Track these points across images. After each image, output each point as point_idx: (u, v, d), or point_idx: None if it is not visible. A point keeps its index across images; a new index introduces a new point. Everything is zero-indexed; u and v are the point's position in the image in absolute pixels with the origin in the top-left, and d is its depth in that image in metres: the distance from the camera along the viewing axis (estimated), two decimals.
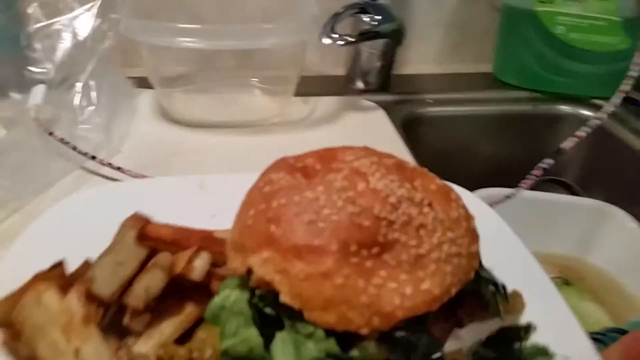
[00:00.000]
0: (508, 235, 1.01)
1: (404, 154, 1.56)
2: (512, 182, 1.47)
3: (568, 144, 1.49)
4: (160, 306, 0.88)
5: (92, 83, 1.35)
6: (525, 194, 1.36)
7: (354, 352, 0.66)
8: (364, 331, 0.65)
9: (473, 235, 0.74)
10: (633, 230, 1.31)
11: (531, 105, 1.81)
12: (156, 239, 0.98)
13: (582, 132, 1.49)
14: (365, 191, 0.71)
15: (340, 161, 0.79)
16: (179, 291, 0.90)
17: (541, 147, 1.68)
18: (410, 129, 1.79)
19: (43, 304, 0.74)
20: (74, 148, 1.27)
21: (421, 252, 0.68)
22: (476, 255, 0.74)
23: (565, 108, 1.81)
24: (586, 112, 1.76)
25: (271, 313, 0.72)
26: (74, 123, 1.31)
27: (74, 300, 0.78)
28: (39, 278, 0.79)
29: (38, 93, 1.32)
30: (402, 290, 0.66)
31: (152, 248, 0.96)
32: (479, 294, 0.81)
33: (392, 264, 0.67)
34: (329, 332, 0.66)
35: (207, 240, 0.96)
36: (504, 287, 0.84)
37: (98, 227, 0.93)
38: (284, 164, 0.81)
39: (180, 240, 0.98)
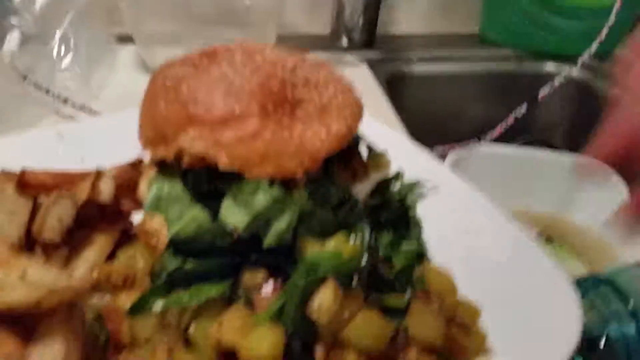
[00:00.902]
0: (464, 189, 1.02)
1: (388, 111, 1.53)
2: (496, 140, 1.41)
3: (542, 92, 1.44)
4: (72, 241, 0.86)
5: (71, 35, 1.37)
6: (506, 151, 1.30)
7: (295, 195, 0.75)
8: (299, 174, 0.74)
9: (357, 96, 0.87)
10: (617, 185, 1.25)
11: (516, 64, 1.77)
12: (37, 185, 0.93)
13: (557, 82, 1.44)
14: (263, 62, 0.78)
15: (224, 51, 0.85)
16: (86, 224, 0.89)
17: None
18: (395, 87, 1.70)
19: None
20: (47, 91, 1.28)
21: (324, 102, 0.79)
22: (361, 104, 0.87)
23: (550, 65, 1.76)
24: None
25: (207, 190, 0.77)
26: (51, 71, 1.33)
27: None
28: None
29: (13, 40, 1.30)
30: (318, 134, 0.76)
31: (34, 197, 0.92)
32: (360, 152, 0.95)
33: (303, 117, 0.77)
34: (271, 183, 0.74)
35: (86, 178, 0.95)
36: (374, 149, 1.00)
37: None
38: (171, 63, 0.84)
39: (62, 182, 0.94)
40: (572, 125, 1.73)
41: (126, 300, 0.77)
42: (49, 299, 0.67)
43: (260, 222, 0.74)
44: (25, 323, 0.69)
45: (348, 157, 0.91)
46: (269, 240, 0.74)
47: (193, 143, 0.73)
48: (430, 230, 0.93)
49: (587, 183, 1.30)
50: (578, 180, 1.30)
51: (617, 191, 1.25)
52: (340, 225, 0.80)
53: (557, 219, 1.31)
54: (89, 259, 0.84)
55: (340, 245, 0.73)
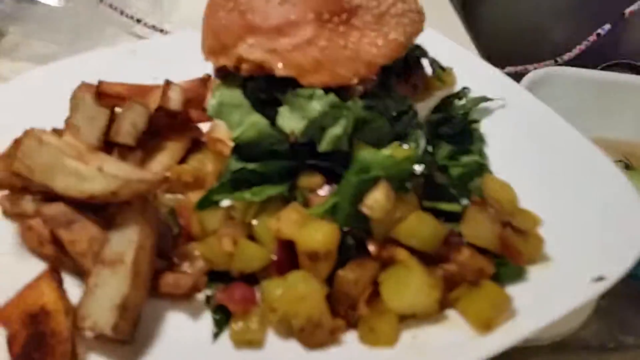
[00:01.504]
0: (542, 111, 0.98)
1: (459, 27, 1.47)
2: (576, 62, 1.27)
3: (632, 8, 1.27)
4: (146, 146, 0.93)
5: None
6: (586, 74, 1.20)
7: (350, 103, 0.77)
8: (354, 81, 0.76)
9: (419, 6, 0.85)
10: None
11: None
12: (114, 95, 1.01)
13: None
14: None
15: None
16: (159, 132, 0.95)
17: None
18: (470, 6, 1.60)
19: (45, 144, 0.76)
20: (122, 12, 1.35)
21: (382, 10, 0.79)
22: (423, 13, 0.86)
23: None
24: None
25: (266, 98, 0.80)
26: None
27: (69, 138, 0.81)
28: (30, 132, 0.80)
29: None
30: (375, 42, 0.77)
31: (112, 107, 0.99)
32: (422, 66, 0.95)
33: (360, 25, 0.78)
34: (326, 91, 0.76)
35: (159, 90, 1.00)
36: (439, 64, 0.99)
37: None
38: None
39: (136, 93, 1.01)
40: None
41: (196, 198, 0.83)
42: (124, 190, 0.74)
43: (316, 128, 0.77)
44: (106, 213, 0.77)
45: (408, 70, 0.92)
46: (324, 145, 0.77)
47: (251, 51, 0.76)
48: (499, 146, 0.92)
49: None
50: None
51: None
52: (397, 136, 0.82)
53: (633, 144, 1.23)
54: (162, 162, 0.91)
55: (394, 151, 0.75)
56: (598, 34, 1.24)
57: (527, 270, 0.74)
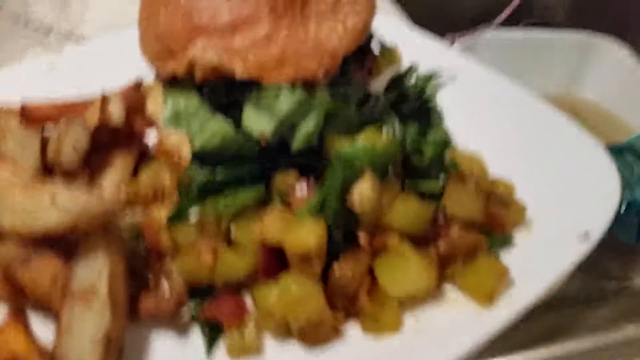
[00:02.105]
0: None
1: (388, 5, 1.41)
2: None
3: None
4: (90, 166, 0.85)
5: None
6: (509, 34, 1.25)
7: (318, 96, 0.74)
8: (320, 73, 0.73)
9: None
10: (623, 58, 1.22)
11: None
12: (42, 117, 0.91)
13: None
14: None
15: None
16: (102, 149, 0.87)
17: None
18: None
19: None
20: (27, 24, 1.20)
21: None
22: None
23: None
24: None
25: (226, 101, 0.75)
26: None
27: (9, 171, 0.71)
28: None
29: None
30: (335, 31, 0.74)
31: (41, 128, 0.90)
32: (372, 49, 0.93)
33: (315, 15, 0.75)
34: (292, 86, 0.72)
35: (90, 105, 0.92)
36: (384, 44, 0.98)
37: None
38: None
39: (67, 112, 0.92)
40: (574, 2, 1.60)
41: (160, 212, 0.78)
42: (84, 221, 0.67)
43: (286, 126, 0.73)
44: (64, 242, 0.69)
45: (362, 54, 0.89)
46: (298, 143, 0.74)
47: (203, 54, 0.71)
48: (457, 119, 0.92)
49: (594, 59, 1.29)
50: (585, 57, 1.29)
51: (625, 66, 1.23)
52: (366, 122, 0.80)
53: (567, 97, 1.29)
54: (113, 179, 0.83)
55: (372, 139, 0.73)
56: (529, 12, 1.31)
57: (513, 238, 0.75)
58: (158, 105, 0.87)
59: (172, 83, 0.77)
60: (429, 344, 0.66)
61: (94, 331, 0.62)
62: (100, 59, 1.05)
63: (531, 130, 0.89)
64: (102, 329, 0.62)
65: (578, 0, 1.57)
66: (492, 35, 1.26)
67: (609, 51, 1.26)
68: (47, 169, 0.81)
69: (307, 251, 0.67)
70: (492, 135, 0.88)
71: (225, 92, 0.75)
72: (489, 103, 0.94)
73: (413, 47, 1.00)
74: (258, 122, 0.73)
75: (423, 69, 1.00)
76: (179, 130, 0.75)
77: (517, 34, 1.29)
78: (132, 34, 1.05)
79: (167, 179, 0.83)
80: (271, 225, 0.70)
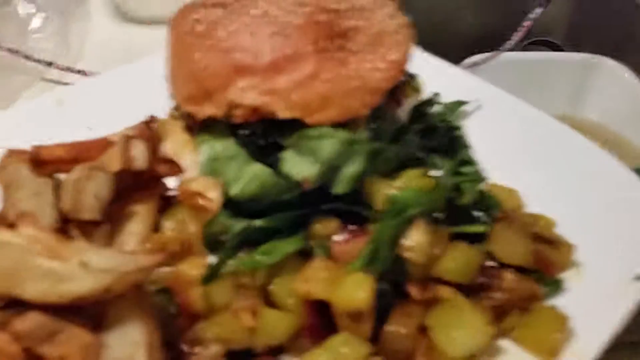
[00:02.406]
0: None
1: None
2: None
3: None
4: (110, 215, 0.79)
5: None
6: (511, 56, 1.24)
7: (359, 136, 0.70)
8: (364, 112, 0.69)
9: (400, 9, 0.80)
10: (626, 79, 1.21)
11: None
12: (54, 161, 0.85)
13: None
14: None
15: None
16: (120, 195, 0.81)
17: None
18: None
19: (0, 245, 0.60)
20: (26, 57, 1.14)
21: (375, 30, 0.72)
22: (411, 26, 0.80)
23: None
24: None
25: (264, 144, 0.71)
26: (23, 34, 1.19)
27: (30, 230, 0.65)
28: None
29: None
30: (376, 66, 0.70)
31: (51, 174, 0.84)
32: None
33: (356, 49, 0.71)
34: (334, 127, 0.68)
35: (105, 146, 0.86)
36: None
37: None
38: (190, 6, 0.75)
39: (80, 154, 0.86)
40: (573, 22, 1.59)
41: (189, 268, 0.72)
42: (118, 284, 0.61)
43: (329, 169, 0.69)
44: (92, 310, 0.64)
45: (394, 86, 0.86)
46: (341, 187, 0.70)
47: (244, 95, 0.66)
48: (485, 150, 0.88)
49: (596, 80, 1.27)
50: (587, 78, 1.28)
51: (628, 86, 1.22)
52: (403, 160, 0.76)
53: (571, 118, 1.26)
54: (136, 232, 0.78)
55: (417, 180, 0.69)
56: (529, 30, 1.25)
57: (563, 282, 0.72)
58: (179, 145, 0.82)
59: (206, 126, 0.72)
60: None
61: None
62: (110, 95, 0.99)
63: (562, 160, 0.86)
64: None
65: (576, 22, 1.56)
66: (492, 58, 1.24)
67: (611, 72, 1.25)
68: (62, 220, 0.75)
69: (358, 308, 0.63)
70: (523, 167, 0.85)
71: (264, 134, 0.70)
72: (518, 133, 0.91)
73: (431, 73, 0.95)
74: (300, 166, 0.68)
75: (446, 96, 0.97)
76: (214, 176, 0.70)
77: (517, 56, 1.28)
78: (140, 68, 1.02)
79: (193, 229, 0.78)
80: (315, 280, 0.65)
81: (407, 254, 0.64)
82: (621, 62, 1.27)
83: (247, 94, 0.65)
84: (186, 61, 0.69)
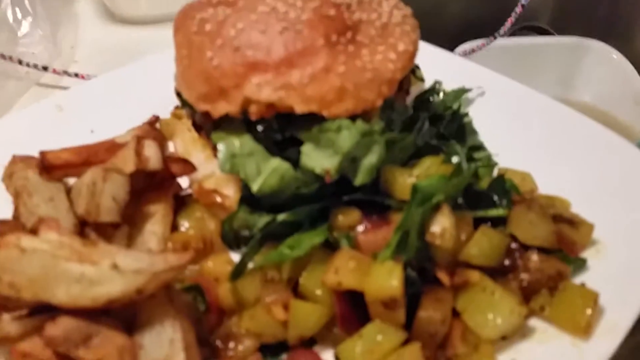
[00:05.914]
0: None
1: None
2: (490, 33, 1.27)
3: None
4: (127, 217, 0.78)
5: None
6: (502, 42, 1.25)
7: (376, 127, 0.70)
8: (380, 103, 0.69)
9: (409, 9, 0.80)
10: (614, 60, 1.25)
11: None
12: (63, 165, 0.84)
13: None
14: None
15: None
16: (135, 196, 0.81)
17: None
18: None
19: (29, 252, 0.60)
20: (20, 62, 1.11)
21: (384, 22, 0.73)
22: (416, 19, 0.80)
23: None
24: None
25: (281, 138, 0.71)
26: (13, 38, 1.16)
27: (54, 235, 0.64)
28: None
29: None
30: (388, 57, 0.70)
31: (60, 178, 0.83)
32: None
33: (366, 41, 0.71)
34: (352, 119, 0.68)
35: (114, 148, 0.86)
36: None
37: None
38: (196, 5, 0.75)
39: (89, 157, 0.86)
40: (559, 7, 1.61)
41: (215, 265, 0.72)
42: (151, 285, 0.61)
43: (349, 161, 0.69)
44: (124, 312, 0.64)
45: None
46: (360, 178, 0.70)
47: (260, 91, 0.66)
48: (492, 135, 0.89)
49: (587, 63, 1.30)
50: (578, 61, 1.30)
51: (618, 67, 1.24)
52: (420, 148, 0.76)
53: (564, 101, 1.29)
54: (156, 232, 0.77)
55: (439, 167, 0.69)
56: (522, 5, 1.25)
57: (586, 260, 0.73)
58: (188, 144, 0.82)
59: (221, 124, 0.72)
60: None
61: None
62: (109, 97, 0.99)
63: (568, 141, 0.87)
64: None
65: (563, 6, 1.57)
66: (486, 45, 1.24)
67: (599, 53, 1.29)
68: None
69: (392, 296, 0.63)
70: (531, 151, 0.85)
71: (280, 129, 0.70)
72: (522, 117, 0.91)
73: (429, 60, 0.95)
74: (320, 159, 0.68)
75: (448, 84, 0.97)
76: (234, 173, 0.70)
77: (508, 42, 1.29)
78: (137, 69, 1.01)
79: (212, 226, 0.78)
80: (346, 271, 0.65)
81: (435, 240, 0.65)
82: (608, 44, 1.30)
83: (263, 90, 0.65)
84: (197, 61, 0.69)
